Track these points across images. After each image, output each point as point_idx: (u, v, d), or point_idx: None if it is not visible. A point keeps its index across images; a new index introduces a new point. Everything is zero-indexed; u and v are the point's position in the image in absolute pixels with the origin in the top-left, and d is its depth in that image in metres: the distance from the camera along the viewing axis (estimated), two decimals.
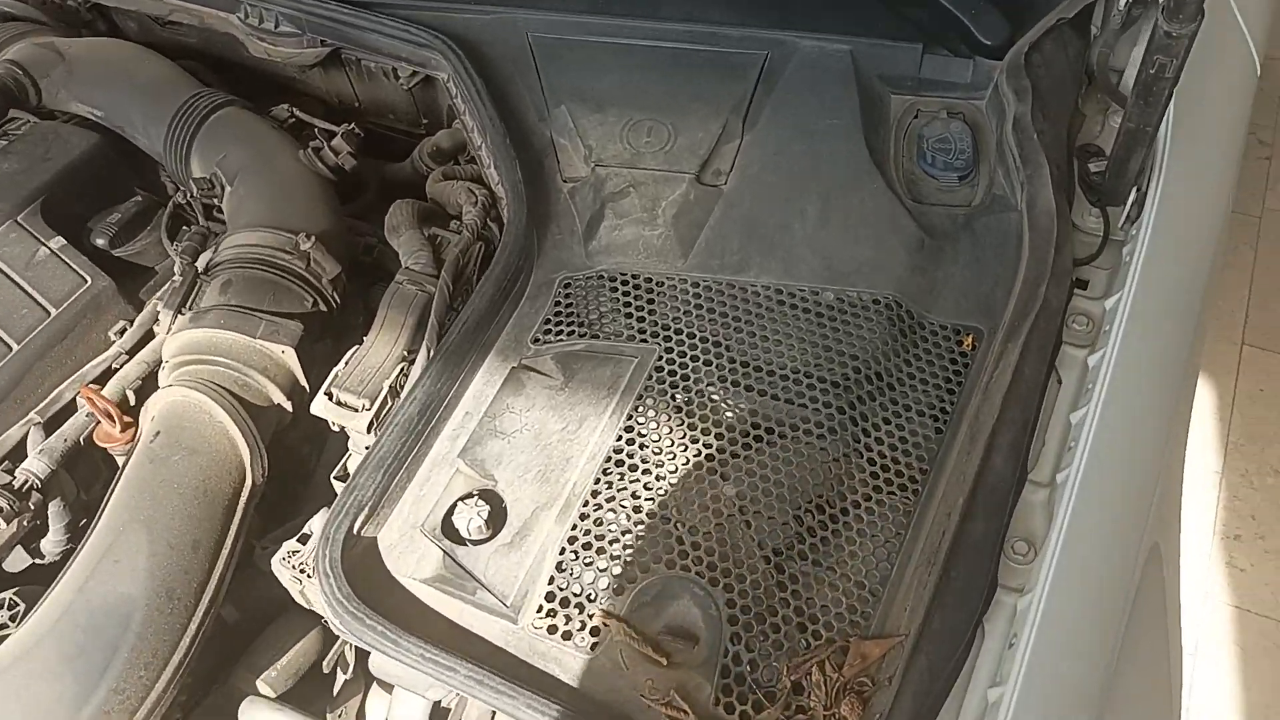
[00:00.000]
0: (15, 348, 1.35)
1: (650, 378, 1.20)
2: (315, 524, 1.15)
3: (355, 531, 1.09)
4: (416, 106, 1.64)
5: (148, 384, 1.38)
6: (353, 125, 1.51)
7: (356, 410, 1.23)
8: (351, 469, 1.24)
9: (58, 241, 1.43)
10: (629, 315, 1.27)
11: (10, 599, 1.24)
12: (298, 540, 1.15)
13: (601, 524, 1.09)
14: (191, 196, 1.54)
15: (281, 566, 1.14)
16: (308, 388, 1.35)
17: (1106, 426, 1.11)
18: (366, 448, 1.19)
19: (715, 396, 1.19)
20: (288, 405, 1.34)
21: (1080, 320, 1.26)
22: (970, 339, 1.24)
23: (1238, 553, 2.47)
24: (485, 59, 1.49)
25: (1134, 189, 1.32)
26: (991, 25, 1.46)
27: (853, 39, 1.46)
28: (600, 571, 1.06)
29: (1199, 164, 1.37)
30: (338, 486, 1.21)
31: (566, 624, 1.03)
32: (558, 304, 1.29)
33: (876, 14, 1.51)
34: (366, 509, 1.09)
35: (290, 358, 1.32)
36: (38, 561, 1.38)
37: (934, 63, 1.45)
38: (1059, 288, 1.22)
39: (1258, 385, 2.77)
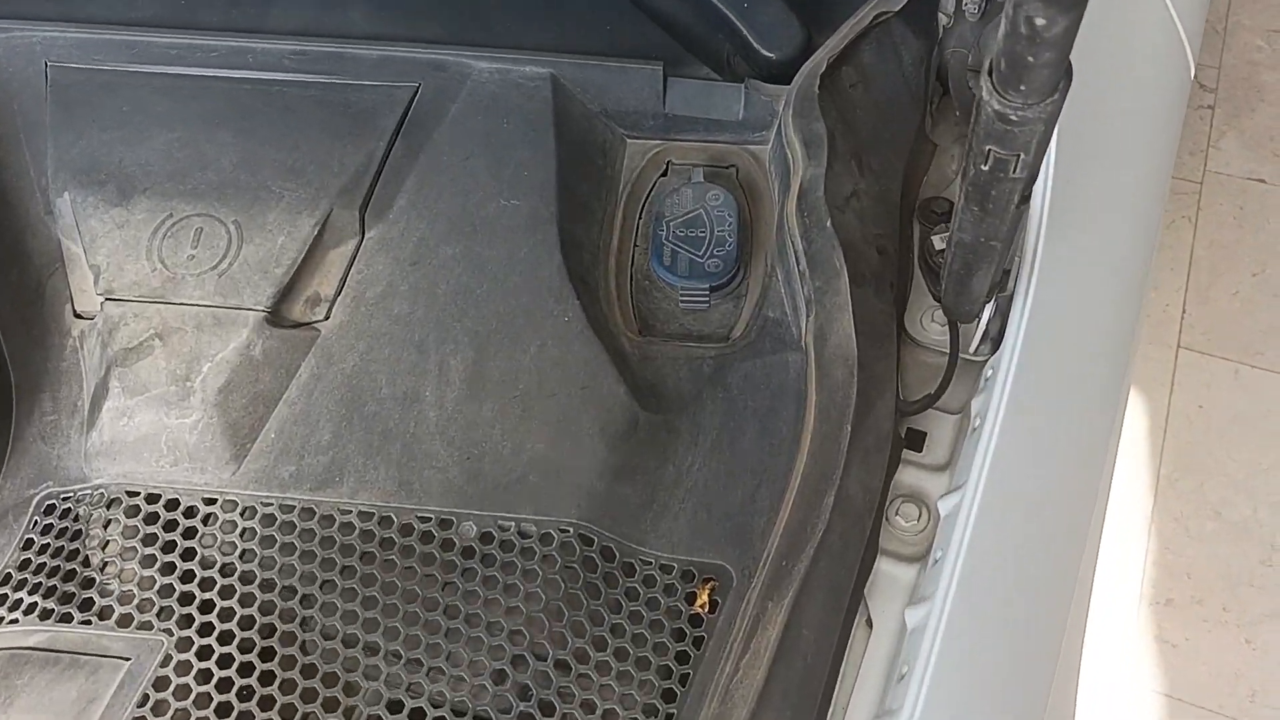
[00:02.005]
0: None
1: (145, 700, 0.69)
2: None
3: None
4: None
5: None
6: None
7: None
8: None
9: None
10: (132, 572, 0.74)
11: None
12: None
13: None
14: None
15: None
16: None
17: None
18: None
19: None
20: None
21: (909, 510, 0.78)
22: (708, 591, 0.74)
23: (1169, 623, 2.02)
24: None
25: (989, 303, 0.82)
26: (776, 29, 0.93)
27: (556, 57, 0.92)
28: None
29: (1101, 237, 0.86)
30: None
31: None
32: (29, 545, 0.77)
33: (597, 15, 0.96)
34: None
35: None
36: None
37: (686, 90, 0.92)
38: (867, 471, 0.74)
39: (1195, 401, 2.30)
